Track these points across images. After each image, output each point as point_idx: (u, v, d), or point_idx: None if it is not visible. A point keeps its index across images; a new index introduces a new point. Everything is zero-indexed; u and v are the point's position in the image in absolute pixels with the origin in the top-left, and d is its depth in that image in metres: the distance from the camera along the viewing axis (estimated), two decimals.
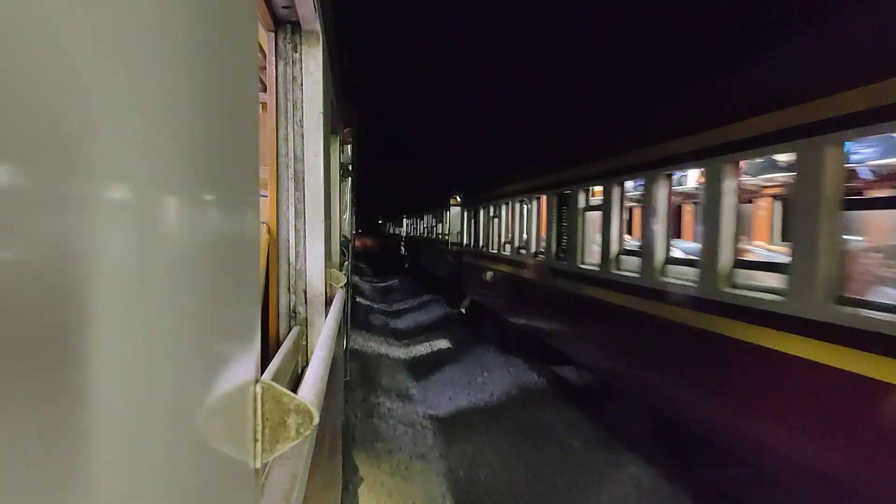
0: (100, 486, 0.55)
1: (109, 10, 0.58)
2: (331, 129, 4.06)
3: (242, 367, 1.06)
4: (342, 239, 6.74)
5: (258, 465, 1.19)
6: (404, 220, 41.06)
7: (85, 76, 0.52)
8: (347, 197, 9.70)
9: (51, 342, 0.47)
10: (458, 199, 20.55)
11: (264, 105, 2.77)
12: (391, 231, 53.22)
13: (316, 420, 1.25)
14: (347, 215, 10.01)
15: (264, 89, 2.86)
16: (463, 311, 18.28)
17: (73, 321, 0.50)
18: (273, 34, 2.77)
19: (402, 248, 39.36)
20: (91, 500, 0.53)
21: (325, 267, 3.07)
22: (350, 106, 8.69)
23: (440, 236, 24.48)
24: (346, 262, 7.15)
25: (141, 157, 0.65)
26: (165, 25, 0.73)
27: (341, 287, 4.25)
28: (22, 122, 0.43)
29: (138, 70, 0.64)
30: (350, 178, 9.37)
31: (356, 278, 28.04)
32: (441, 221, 24.26)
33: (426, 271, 27.73)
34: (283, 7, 2.64)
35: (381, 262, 45.62)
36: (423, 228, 30.39)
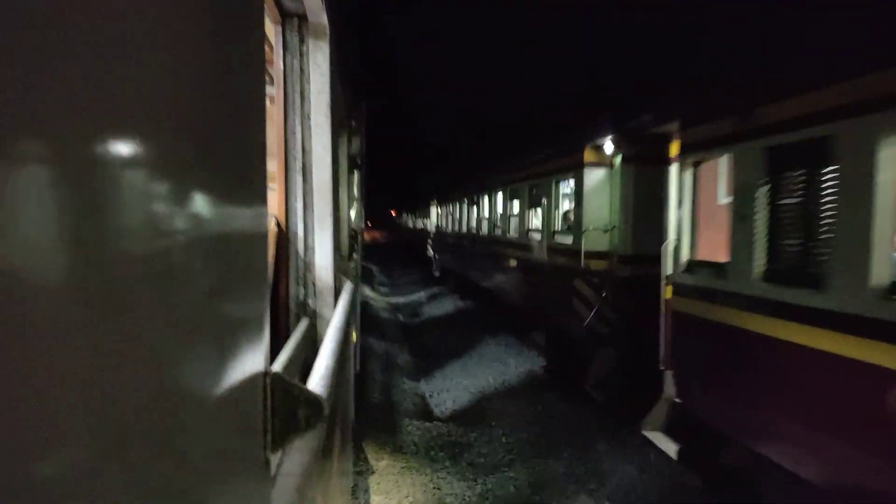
0: (111, 477, 0.55)
1: (117, 4, 0.58)
2: (339, 122, 4.06)
3: (252, 359, 1.06)
4: (351, 232, 6.75)
5: (269, 457, 1.20)
6: (434, 208, 27.15)
7: (93, 70, 0.52)
8: (356, 189, 9.70)
9: (63, 335, 0.47)
10: (615, 145, 8.48)
11: (272, 98, 2.78)
12: (410, 224, 40.30)
13: (325, 411, 1.26)
14: (356, 208, 10.02)
15: (272, 82, 2.86)
16: (662, 440, 6.85)
17: (84, 314, 0.51)
18: (280, 27, 2.76)
19: (430, 249, 27.52)
20: (103, 492, 0.53)
21: (334, 259, 3.08)
22: (359, 97, 8.67)
23: (534, 235, 11.55)
24: (354, 255, 7.16)
25: (149, 151, 0.65)
26: (173, 18, 0.73)
27: (351, 280, 4.26)
28: (28, 118, 0.43)
29: (146, 63, 0.64)
30: (359, 171, 9.36)
31: (366, 290, 17.84)
32: (541, 203, 11.06)
33: (491, 299, 14.96)
34: None
35: (396, 264, 33.93)
36: (479, 219, 16.70)
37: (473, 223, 17.69)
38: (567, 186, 10.21)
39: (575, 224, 9.34)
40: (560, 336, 10.02)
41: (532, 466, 6.73)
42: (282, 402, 1.19)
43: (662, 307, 6.72)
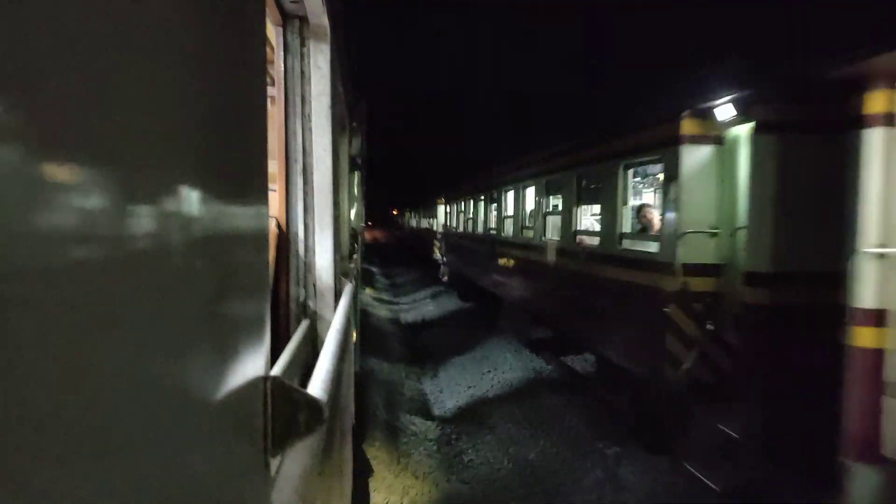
0: (111, 481, 0.55)
1: (118, 5, 0.57)
2: (339, 123, 4.06)
3: (252, 363, 1.06)
4: (351, 232, 6.76)
5: (269, 461, 1.19)
6: (442, 206, 24.30)
7: (94, 71, 0.52)
8: (356, 190, 9.70)
9: (61, 337, 0.47)
10: (739, 108, 5.64)
11: (273, 99, 2.77)
12: (413, 224, 37.35)
13: (326, 415, 1.25)
14: (357, 208, 10.01)
15: (272, 83, 2.86)
16: None
17: (83, 316, 0.50)
18: (281, 28, 2.76)
19: (437, 252, 24.71)
20: (102, 496, 0.53)
21: (335, 260, 3.08)
22: (359, 98, 8.67)
23: (585, 239, 8.94)
24: (355, 256, 7.17)
25: (149, 152, 0.65)
26: (174, 19, 0.72)
27: (351, 281, 4.26)
28: (31, 118, 0.43)
29: (147, 64, 0.64)
30: (359, 171, 9.36)
31: (364, 294, 16.18)
32: (600, 198, 8.50)
33: (515, 315, 12.56)
34: (291, 1, 2.63)
35: (398, 265, 31.86)
36: (500, 219, 13.91)
37: (492, 223, 14.43)
38: (642, 173, 8.19)
39: (666, 225, 6.50)
40: (629, 378, 7.27)
41: None
42: (282, 405, 1.18)
43: (849, 362, 4.33)
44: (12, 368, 0.40)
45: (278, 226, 2.83)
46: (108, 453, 0.54)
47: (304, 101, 2.83)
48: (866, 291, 4.25)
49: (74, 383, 0.49)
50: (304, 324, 2.79)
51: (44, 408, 0.44)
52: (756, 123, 5.56)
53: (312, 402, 1.22)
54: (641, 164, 7.68)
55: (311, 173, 2.88)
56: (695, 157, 6.15)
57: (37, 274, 0.44)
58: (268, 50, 2.68)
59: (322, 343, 2.66)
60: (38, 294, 0.44)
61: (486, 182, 15.56)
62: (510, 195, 13.11)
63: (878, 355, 4.10)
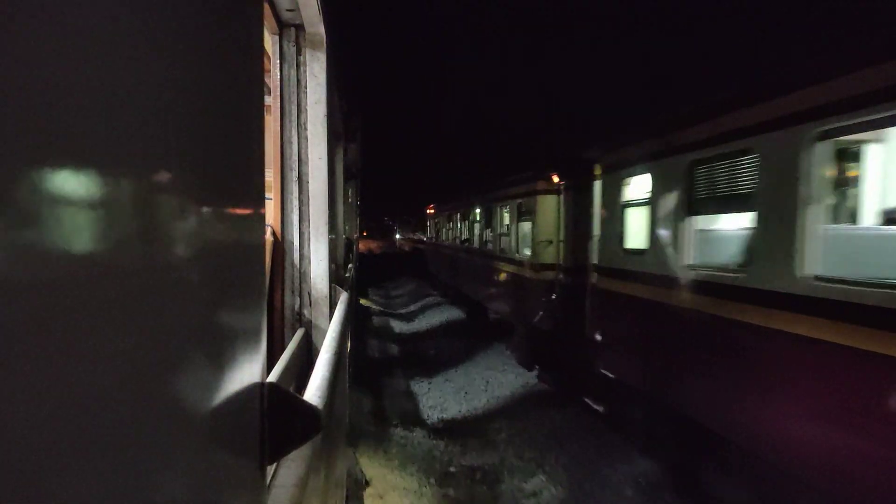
0: (107, 487, 0.55)
1: (115, 13, 0.58)
2: (335, 131, 4.07)
3: (249, 370, 1.06)
4: (346, 241, 6.76)
5: (266, 467, 1.19)
6: (473, 211, 16.67)
7: (91, 79, 0.52)
8: (352, 199, 9.71)
9: (60, 344, 0.47)
10: None
11: (269, 108, 2.78)
12: (421, 234, 28.43)
13: (322, 423, 1.25)
14: (352, 217, 10.00)
15: (269, 92, 2.87)
16: None
17: (83, 324, 0.50)
18: (277, 37, 2.77)
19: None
20: (99, 501, 0.53)
21: (330, 269, 3.08)
22: (355, 107, 8.69)
23: None
24: (349, 265, 7.16)
25: (147, 161, 0.65)
26: (171, 28, 0.73)
27: (346, 290, 4.26)
28: (28, 127, 0.43)
29: (144, 73, 0.64)
30: (355, 180, 9.37)
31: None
32: None
33: None
34: (288, 10, 2.64)
35: (395, 292, 27.28)
36: None
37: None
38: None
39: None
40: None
41: None
42: (279, 412, 1.18)
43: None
44: (7, 377, 0.41)
45: (274, 234, 2.83)
46: (106, 458, 0.54)
47: (299, 109, 2.84)
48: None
49: (72, 390, 0.49)
50: (300, 332, 2.79)
51: (40, 414, 0.44)
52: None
53: (309, 409, 1.22)
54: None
55: (307, 182, 2.88)
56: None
57: (32, 282, 0.44)
58: (264, 59, 2.69)
59: (317, 351, 2.66)
60: (32, 302, 0.44)
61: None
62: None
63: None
